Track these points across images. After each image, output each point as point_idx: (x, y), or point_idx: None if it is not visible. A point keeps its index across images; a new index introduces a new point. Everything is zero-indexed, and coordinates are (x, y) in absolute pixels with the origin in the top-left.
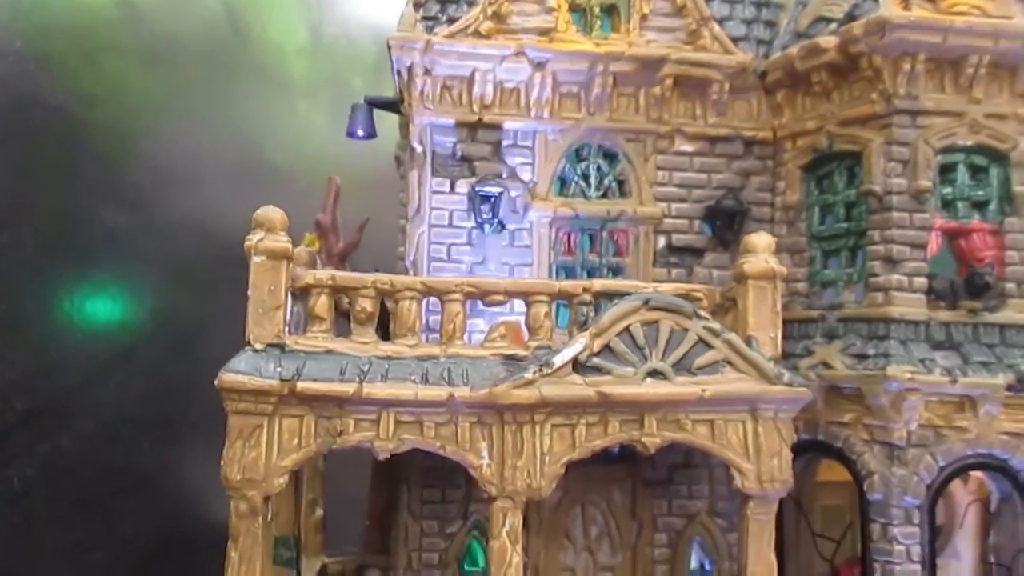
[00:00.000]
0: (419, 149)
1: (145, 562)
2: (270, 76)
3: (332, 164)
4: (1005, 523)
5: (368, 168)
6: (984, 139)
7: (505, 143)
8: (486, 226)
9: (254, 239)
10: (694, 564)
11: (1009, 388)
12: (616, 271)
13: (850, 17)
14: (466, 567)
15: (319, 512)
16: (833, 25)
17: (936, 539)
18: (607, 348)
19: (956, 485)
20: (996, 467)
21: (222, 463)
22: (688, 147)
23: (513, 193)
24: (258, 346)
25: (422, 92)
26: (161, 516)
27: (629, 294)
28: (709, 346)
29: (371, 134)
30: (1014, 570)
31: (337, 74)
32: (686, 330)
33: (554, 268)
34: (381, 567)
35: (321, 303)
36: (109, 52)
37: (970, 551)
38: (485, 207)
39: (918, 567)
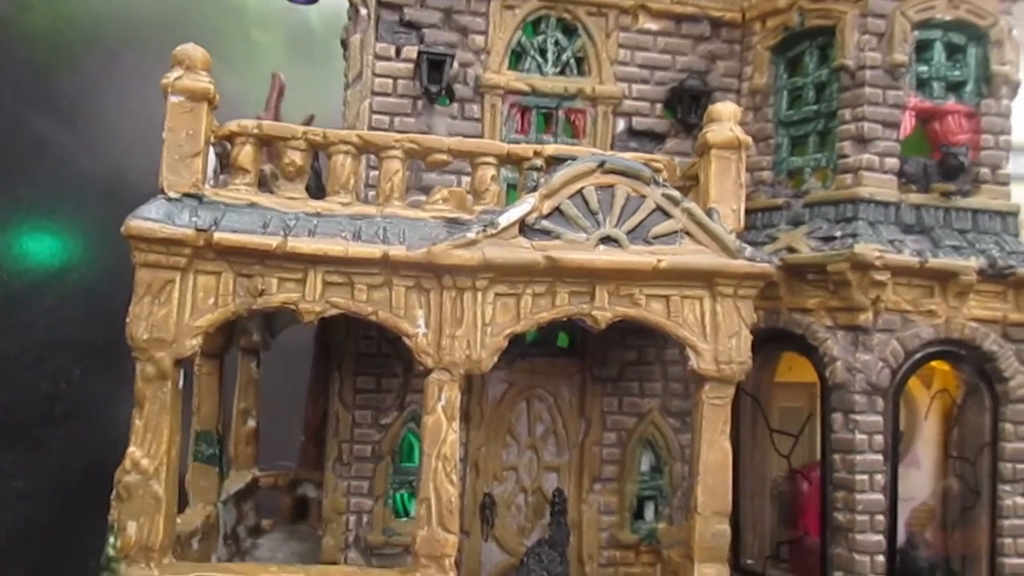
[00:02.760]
0: (364, 12)
1: (72, 494)
2: (227, 4)
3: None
4: (970, 416)
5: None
6: (963, 14)
7: (457, 9)
8: (434, 95)
9: (171, 77)
10: (644, 465)
11: (980, 273)
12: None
13: None
14: (401, 462)
15: (251, 423)
16: None
17: (898, 444)
18: (557, 211)
19: (918, 388)
20: (963, 355)
21: (127, 320)
22: (652, 25)
23: (463, 63)
24: (172, 194)
25: None
26: (91, 448)
27: (581, 157)
28: (667, 215)
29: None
30: (977, 464)
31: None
32: (643, 197)
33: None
34: (315, 482)
35: (245, 153)
36: None
37: (931, 457)
38: (433, 75)
39: (880, 457)
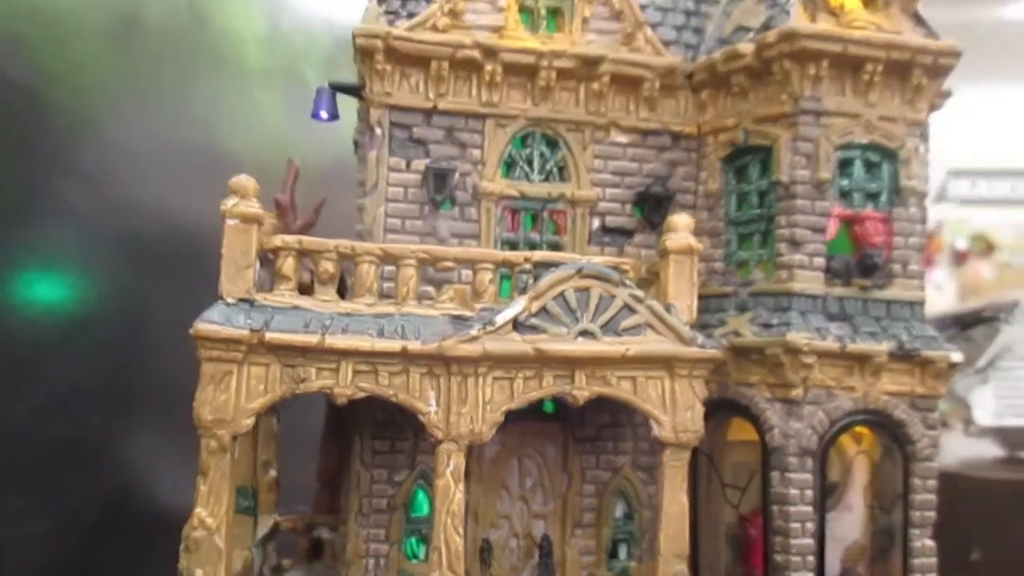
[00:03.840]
0: (379, 131)
1: (91, 532)
2: (228, 63)
3: (286, 149)
4: (886, 471)
5: (322, 153)
6: (877, 138)
7: (457, 127)
8: (438, 200)
9: (229, 204)
10: (618, 512)
11: (891, 354)
12: (555, 248)
13: (765, 27)
14: (412, 513)
15: (272, 472)
16: (751, 33)
17: (832, 492)
18: (544, 310)
19: (849, 443)
20: (878, 423)
21: (195, 404)
22: (622, 138)
23: (463, 173)
24: (230, 300)
25: (383, 80)
26: (108, 490)
27: (564, 263)
28: (633, 311)
29: (334, 116)
30: (892, 511)
31: (292, 63)
32: (613, 296)
33: (499, 243)
34: (330, 525)
35: (288, 264)
36: (74, 33)
37: (859, 501)
38: (439, 185)
39: (810, 508)
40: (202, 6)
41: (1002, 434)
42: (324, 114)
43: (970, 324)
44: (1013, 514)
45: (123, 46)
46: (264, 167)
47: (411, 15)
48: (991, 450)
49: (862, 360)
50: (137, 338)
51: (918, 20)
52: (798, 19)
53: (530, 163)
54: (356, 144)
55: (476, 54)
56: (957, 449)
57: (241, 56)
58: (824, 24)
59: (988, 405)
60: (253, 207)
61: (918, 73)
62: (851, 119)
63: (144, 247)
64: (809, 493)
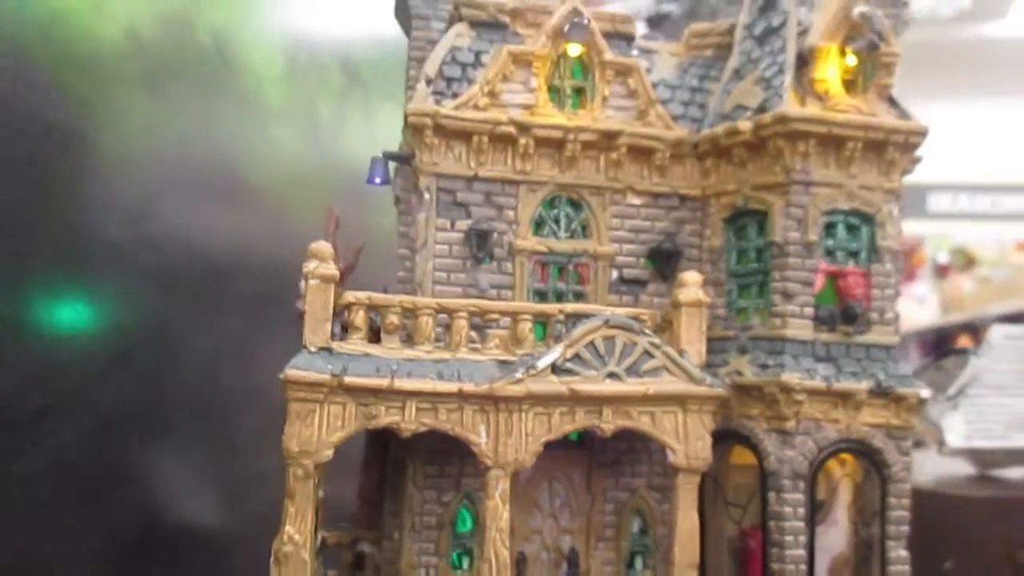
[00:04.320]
0: (427, 196)
1: (131, 551)
2: (250, 102)
3: (303, 181)
4: (867, 491)
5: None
6: (857, 205)
7: (494, 192)
8: (479, 257)
9: (311, 266)
10: (635, 528)
11: (870, 392)
12: (579, 296)
13: (761, 108)
14: (458, 528)
15: (320, 493)
16: (749, 112)
17: (820, 509)
18: (577, 356)
19: (835, 467)
20: (859, 450)
21: (283, 438)
22: (637, 200)
23: (500, 232)
24: (312, 349)
25: (431, 151)
26: (146, 509)
27: (593, 315)
28: (652, 356)
29: (385, 181)
30: (872, 526)
31: (308, 101)
32: (635, 344)
33: (530, 292)
34: (371, 540)
35: (359, 317)
36: (116, 80)
37: (844, 517)
38: (480, 243)
39: (802, 523)
40: (228, 50)
41: (972, 454)
42: (378, 180)
43: (943, 356)
44: (982, 527)
45: (161, 90)
46: (282, 199)
47: (455, 95)
48: (964, 468)
49: (845, 397)
50: (171, 364)
51: (892, 103)
52: (789, 103)
53: (557, 222)
54: (397, 199)
55: (511, 130)
56: (934, 468)
57: (262, 95)
58: (812, 108)
59: (959, 429)
60: (331, 269)
61: (891, 150)
62: (835, 188)
63: (176, 278)
64: (801, 511)
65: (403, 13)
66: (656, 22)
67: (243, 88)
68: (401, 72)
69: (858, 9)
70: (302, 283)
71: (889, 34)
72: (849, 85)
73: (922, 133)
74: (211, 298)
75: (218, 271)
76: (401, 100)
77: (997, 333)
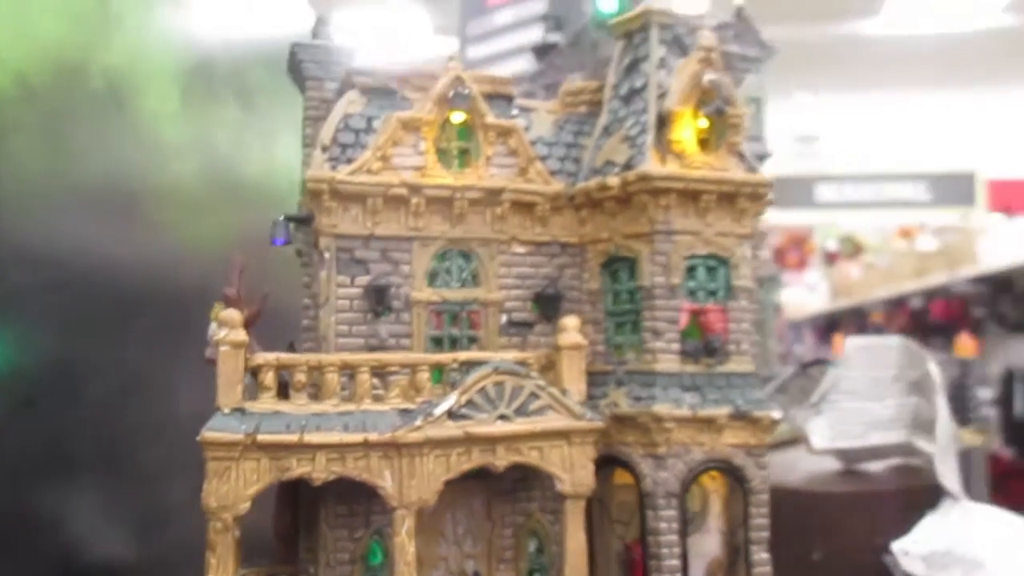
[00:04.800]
0: (327, 256)
1: None
2: (148, 140)
3: (205, 216)
4: (732, 503)
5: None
6: (714, 250)
7: (390, 249)
8: (379, 310)
9: (221, 334)
10: (531, 548)
11: (730, 416)
12: (472, 340)
13: (628, 165)
14: (370, 562)
15: (236, 532)
16: (617, 168)
17: (695, 520)
18: (470, 401)
19: (708, 482)
20: (724, 468)
21: (203, 495)
22: (521, 250)
23: (397, 286)
24: (226, 410)
25: (330, 214)
26: (63, 552)
27: (484, 362)
28: (538, 397)
29: (288, 240)
30: (737, 533)
31: (206, 133)
32: (523, 387)
33: (428, 339)
34: (288, 575)
35: (269, 377)
36: (11, 128)
37: (716, 525)
38: (378, 298)
39: (675, 536)
40: (122, 90)
41: (836, 453)
42: (281, 239)
43: (808, 365)
44: (845, 520)
45: (56, 137)
46: (186, 232)
47: (350, 160)
48: (833, 466)
49: (709, 422)
50: (77, 404)
51: (742, 158)
52: (651, 162)
53: (449, 273)
54: (299, 252)
55: (404, 191)
56: (807, 467)
57: (157, 133)
58: (671, 165)
59: (823, 431)
60: (241, 336)
61: (742, 200)
62: (694, 236)
63: (79, 317)
64: (675, 525)
65: (296, 73)
66: (542, 52)
67: (140, 127)
68: (298, 100)
69: (707, 77)
70: (211, 329)
71: (736, 98)
72: (703, 144)
73: (767, 185)
74: (115, 335)
75: (122, 307)
76: (298, 128)
77: (851, 345)
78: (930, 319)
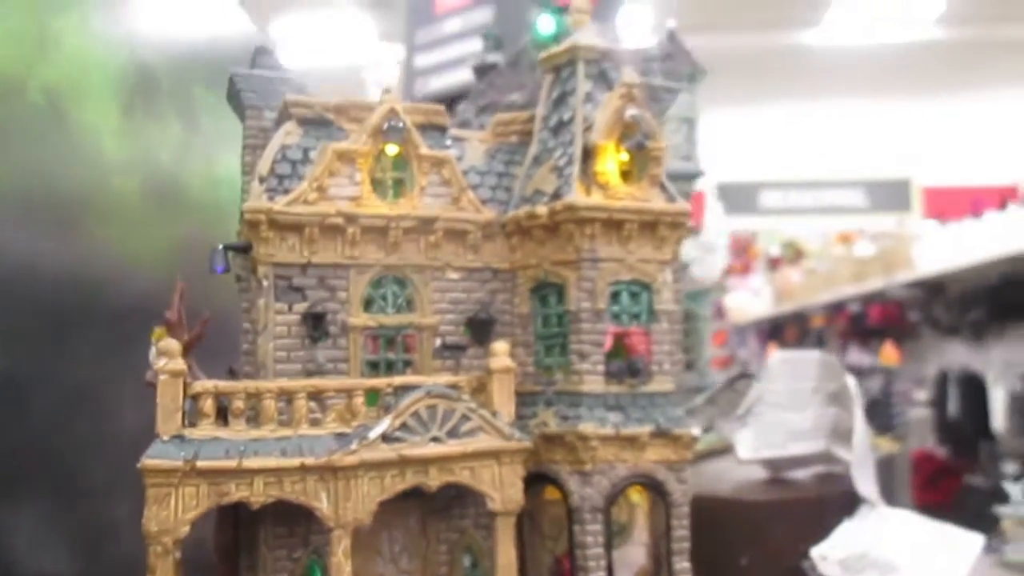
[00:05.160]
0: (265, 283)
1: None
2: (89, 156)
3: (145, 233)
4: (656, 515)
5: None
6: (637, 276)
7: (327, 276)
8: (316, 336)
9: (161, 363)
10: (466, 563)
11: (651, 434)
12: (407, 364)
13: (556, 195)
14: None
15: (176, 554)
16: (546, 198)
17: (622, 533)
18: (404, 425)
19: (634, 495)
20: (647, 483)
21: (143, 521)
22: (454, 276)
23: (334, 312)
24: (165, 438)
25: (267, 244)
26: (3, 568)
27: (418, 387)
28: (469, 419)
29: (227, 268)
30: (661, 544)
31: (147, 151)
32: (454, 409)
33: (364, 363)
34: None
35: (208, 404)
36: None
37: (642, 537)
38: (315, 324)
39: (602, 549)
40: (61, 104)
41: (762, 462)
42: (219, 268)
43: (735, 379)
44: (770, 526)
45: None
46: (128, 249)
47: (287, 191)
48: (760, 474)
49: (632, 439)
50: (18, 421)
51: (663, 188)
52: (577, 193)
53: (385, 299)
54: (239, 278)
55: (340, 221)
56: (735, 476)
57: (101, 146)
58: (596, 196)
59: (748, 442)
60: (180, 365)
61: (662, 228)
62: (618, 263)
63: (19, 333)
64: (601, 538)
65: (236, 101)
66: (482, 72)
67: (80, 143)
68: (237, 123)
69: (629, 112)
70: (151, 352)
71: (657, 132)
72: (626, 175)
73: (686, 214)
74: (58, 349)
75: (64, 322)
76: (237, 150)
77: (774, 359)
78: (868, 323)
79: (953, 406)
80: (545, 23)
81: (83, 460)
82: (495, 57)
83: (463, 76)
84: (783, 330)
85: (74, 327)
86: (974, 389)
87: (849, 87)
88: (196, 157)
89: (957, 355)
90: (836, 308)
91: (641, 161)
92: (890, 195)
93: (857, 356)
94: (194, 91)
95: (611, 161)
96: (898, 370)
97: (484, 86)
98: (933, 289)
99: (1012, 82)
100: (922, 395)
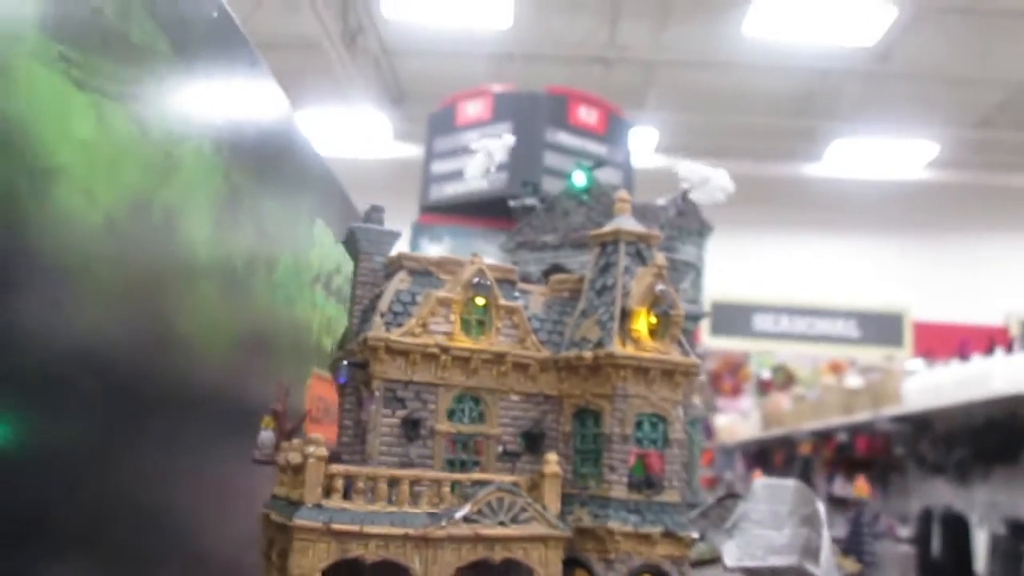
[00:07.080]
0: (377, 394)
1: None
2: (184, 264)
3: (197, 287)
4: None
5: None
6: (656, 410)
7: (423, 392)
8: (411, 437)
9: (310, 449)
10: None
11: (662, 535)
12: (475, 463)
13: (599, 343)
14: None
15: None
16: (591, 344)
17: None
18: (479, 510)
19: None
20: (655, 572)
21: (289, 566)
22: (516, 398)
23: (425, 419)
24: (309, 505)
25: (382, 363)
26: None
27: (489, 482)
28: (526, 510)
29: (348, 380)
30: None
31: (227, 259)
32: (516, 502)
33: (444, 461)
34: None
35: (338, 483)
36: None
37: None
38: (411, 427)
39: None
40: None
41: (744, 571)
42: (342, 379)
43: (723, 499)
44: None
45: None
46: (177, 304)
47: (399, 325)
48: None
49: (646, 537)
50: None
51: (680, 344)
52: (615, 345)
53: (463, 412)
54: (342, 385)
55: (436, 351)
56: None
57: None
58: (629, 348)
59: (733, 552)
60: (323, 452)
61: (677, 375)
62: (642, 399)
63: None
64: None
65: (352, 247)
66: (519, 213)
67: (183, 254)
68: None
69: (658, 288)
70: (260, 436)
71: (677, 302)
72: (653, 333)
73: (696, 366)
74: (134, 426)
75: (142, 403)
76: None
77: (757, 484)
78: (855, 453)
79: (936, 545)
80: (579, 178)
81: (144, 532)
82: (532, 201)
83: (474, 185)
84: (770, 455)
85: (149, 408)
86: (958, 529)
87: (847, 220)
88: (260, 262)
89: (942, 494)
90: (824, 437)
91: (665, 324)
92: (882, 328)
93: (841, 487)
94: (264, 200)
95: (642, 322)
96: (872, 504)
97: (523, 224)
98: (920, 425)
99: (1001, 226)
100: (905, 532)
